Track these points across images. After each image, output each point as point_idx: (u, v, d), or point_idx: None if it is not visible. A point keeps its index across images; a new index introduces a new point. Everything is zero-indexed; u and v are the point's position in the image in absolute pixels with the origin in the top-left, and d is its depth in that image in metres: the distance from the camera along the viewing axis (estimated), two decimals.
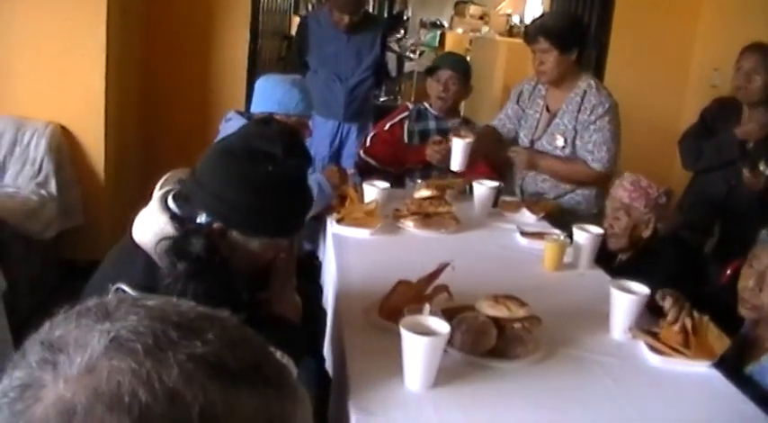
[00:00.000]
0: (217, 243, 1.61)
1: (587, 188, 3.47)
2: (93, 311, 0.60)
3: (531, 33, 3.42)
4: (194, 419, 0.53)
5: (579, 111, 3.37)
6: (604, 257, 2.83)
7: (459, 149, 3.37)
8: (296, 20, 7.13)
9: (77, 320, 0.59)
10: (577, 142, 3.38)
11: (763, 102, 3.31)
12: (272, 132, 1.74)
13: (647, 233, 2.82)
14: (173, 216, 1.64)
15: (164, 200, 1.70)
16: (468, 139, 3.37)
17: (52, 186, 4.10)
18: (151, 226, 1.66)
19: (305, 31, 4.84)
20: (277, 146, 1.65)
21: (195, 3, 5.04)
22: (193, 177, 1.68)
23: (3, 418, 0.54)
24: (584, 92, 3.38)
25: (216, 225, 1.63)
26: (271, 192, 1.65)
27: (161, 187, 1.79)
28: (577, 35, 3.43)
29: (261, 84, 3.14)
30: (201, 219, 1.62)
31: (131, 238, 1.69)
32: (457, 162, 3.39)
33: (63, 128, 4.25)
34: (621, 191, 2.81)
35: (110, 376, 0.54)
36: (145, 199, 1.77)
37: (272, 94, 3.03)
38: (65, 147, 4.24)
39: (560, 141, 3.41)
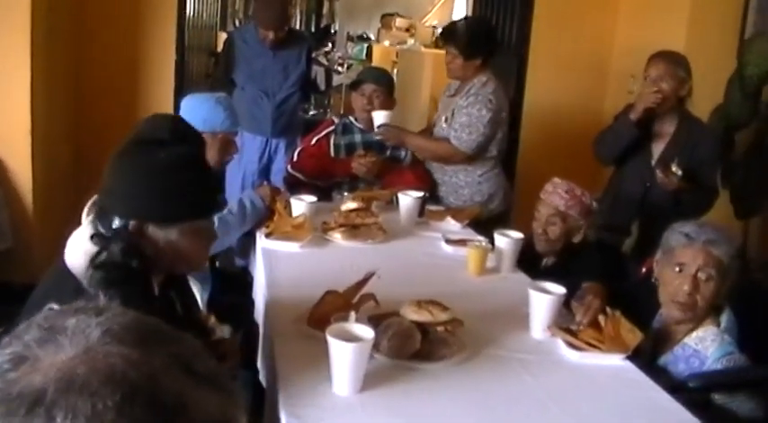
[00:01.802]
0: (136, 243, 1.64)
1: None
2: (88, 308, 0.69)
3: (442, 40, 3.92)
4: (169, 403, 0.61)
5: (461, 97, 3.73)
6: (531, 260, 2.94)
7: (378, 119, 3.72)
8: (222, 36, 7.13)
9: (75, 313, 0.67)
10: (452, 123, 3.72)
11: (672, 108, 3.46)
12: (158, 122, 1.79)
13: (578, 239, 2.95)
14: (92, 235, 1.67)
15: (93, 221, 1.74)
16: (387, 113, 3.72)
17: None
18: (81, 247, 1.68)
19: (231, 47, 4.87)
20: (164, 132, 1.70)
21: (121, 20, 5.02)
22: (100, 190, 1.72)
23: None
24: (474, 84, 3.72)
25: (131, 225, 1.65)
26: (169, 175, 1.68)
27: (90, 207, 1.82)
28: (483, 44, 3.76)
29: (186, 102, 3.17)
30: (116, 223, 1.65)
31: (62, 260, 1.72)
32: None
33: None
34: (558, 198, 2.92)
35: (105, 358, 0.62)
36: (75, 220, 1.80)
37: (198, 113, 3.06)
38: None
39: (443, 123, 3.83)
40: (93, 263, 1.60)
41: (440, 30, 9.77)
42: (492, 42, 3.91)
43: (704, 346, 2.22)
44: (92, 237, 1.66)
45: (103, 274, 1.58)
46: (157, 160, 1.68)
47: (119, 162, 1.72)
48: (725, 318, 2.29)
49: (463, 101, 3.73)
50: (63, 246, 1.74)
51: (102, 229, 1.67)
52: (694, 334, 2.26)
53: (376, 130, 3.75)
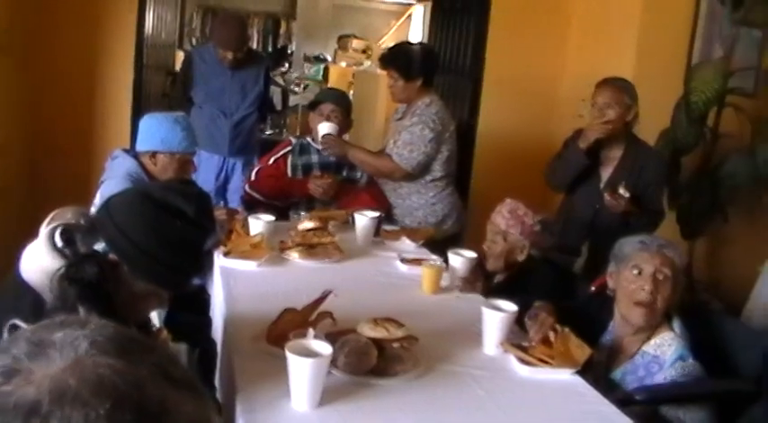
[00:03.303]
0: (107, 273, 1.67)
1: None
2: (72, 321, 0.73)
3: (381, 63, 4.01)
4: (154, 409, 0.66)
5: (407, 119, 3.85)
6: (483, 278, 3.01)
7: (318, 134, 3.81)
8: (180, 54, 7.14)
9: (61, 327, 0.71)
10: (396, 141, 3.84)
11: (619, 133, 3.57)
12: (190, 193, 1.83)
13: (521, 257, 3.03)
14: (59, 250, 1.68)
15: (51, 236, 1.74)
16: (331, 124, 3.80)
17: None
18: (38, 262, 1.69)
19: (189, 66, 4.90)
20: (191, 207, 1.75)
21: (80, 36, 5.03)
22: (105, 211, 1.76)
23: None
24: (418, 106, 3.83)
25: (111, 256, 1.70)
26: (172, 244, 1.75)
27: (48, 224, 1.84)
28: (421, 65, 3.88)
29: (144, 122, 3.19)
30: (99, 246, 1.69)
31: (17, 275, 1.73)
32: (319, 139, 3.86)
33: None
34: (500, 218, 3.02)
35: (94, 369, 0.66)
36: (30, 236, 1.82)
37: (156, 133, 3.09)
38: None
39: (390, 142, 3.94)
40: (66, 275, 1.62)
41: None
42: (431, 62, 4.05)
43: (662, 351, 2.35)
44: (58, 251, 1.68)
45: (79, 290, 1.61)
46: (170, 227, 1.74)
47: (139, 203, 1.76)
48: (677, 324, 2.41)
49: (408, 121, 3.85)
50: (14, 259, 1.75)
51: (80, 245, 1.70)
52: (652, 341, 2.38)
53: (319, 139, 3.82)
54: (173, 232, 1.74)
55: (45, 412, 0.62)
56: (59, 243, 1.71)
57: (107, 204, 1.79)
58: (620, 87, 3.54)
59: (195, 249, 1.82)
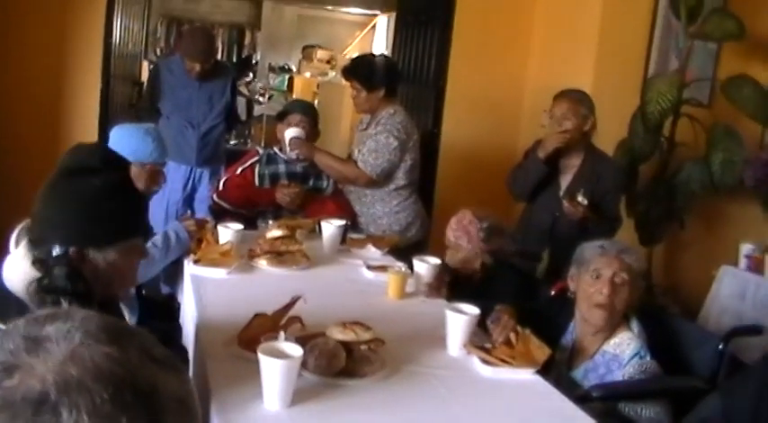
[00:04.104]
0: (78, 268, 1.73)
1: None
2: (58, 315, 0.79)
3: (344, 75, 4.11)
4: (147, 388, 0.73)
5: (372, 128, 3.96)
6: (447, 284, 3.10)
7: (286, 138, 3.92)
8: (145, 65, 7.16)
9: (50, 320, 0.77)
10: (362, 149, 3.95)
11: (577, 142, 3.69)
12: (85, 151, 1.88)
13: (477, 264, 3.13)
14: (34, 261, 1.73)
15: (16, 243, 1.80)
16: (299, 129, 3.91)
17: None
18: (18, 273, 1.75)
19: (157, 77, 4.94)
20: (95, 160, 1.80)
21: (47, 47, 5.06)
22: (35, 219, 1.79)
23: None
24: (382, 116, 3.94)
25: (71, 250, 1.73)
26: (106, 201, 1.79)
27: (17, 235, 1.89)
28: (382, 76, 3.98)
29: (115, 132, 3.23)
30: (56, 250, 1.73)
31: (2, 284, 1.77)
32: (287, 149, 3.96)
33: None
34: (449, 230, 3.16)
35: (91, 358, 0.73)
36: None
37: (127, 144, 3.12)
38: None
39: (355, 150, 4.07)
40: (40, 288, 1.68)
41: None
42: (392, 73, 4.16)
43: (621, 350, 2.47)
44: (33, 263, 1.74)
45: (54, 299, 1.66)
46: (93, 187, 1.78)
47: (52, 191, 1.80)
48: (634, 324, 2.52)
49: (372, 130, 3.97)
50: None
51: (40, 256, 1.74)
52: (612, 340, 2.50)
53: (287, 142, 3.90)
54: (98, 190, 1.78)
55: (53, 402, 0.68)
56: (18, 248, 1.77)
57: (33, 215, 1.81)
58: (576, 99, 3.66)
59: (127, 188, 1.88)
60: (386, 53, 7.72)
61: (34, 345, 0.74)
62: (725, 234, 4.96)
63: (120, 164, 1.92)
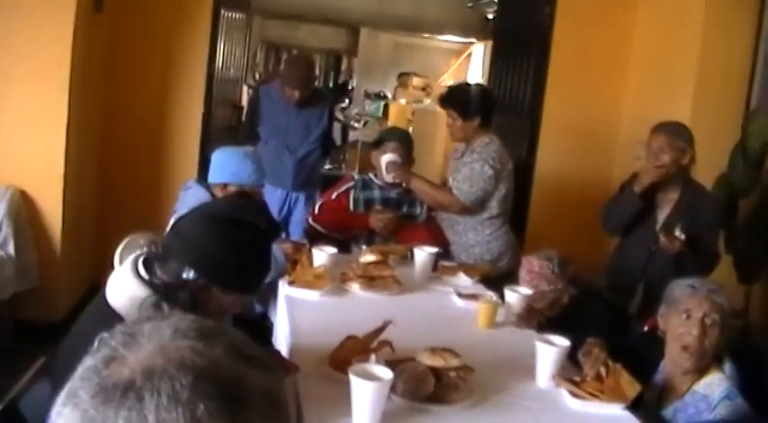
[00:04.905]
0: (198, 297, 1.81)
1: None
2: (157, 316, 0.88)
3: (440, 103, 4.18)
4: (230, 381, 0.78)
5: (466, 156, 4.00)
6: (538, 314, 3.09)
7: (383, 162, 3.98)
8: (245, 89, 7.37)
9: (148, 321, 0.85)
10: (456, 177, 3.99)
11: (675, 176, 3.62)
12: (256, 208, 2.00)
13: (565, 300, 3.11)
14: (146, 281, 1.82)
15: (134, 265, 1.87)
16: (396, 155, 3.97)
17: (10, 248, 4.22)
18: (125, 290, 1.82)
19: (257, 102, 5.10)
20: (261, 219, 1.91)
21: (152, 72, 5.27)
22: (180, 237, 1.88)
23: (91, 384, 0.77)
24: (478, 144, 3.98)
25: (202, 280, 1.82)
26: (252, 256, 1.91)
27: (122, 250, 1.98)
28: (478, 105, 4.03)
29: (217, 155, 3.36)
30: (188, 275, 1.81)
31: (105, 301, 1.85)
32: (383, 174, 4.01)
33: (23, 192, 4.39)
34: (524, 283, 3.13)
35: (177, 350, 0.79)
36: (100, 263, 1.95)
37: (228, 166, 3.25)
38: (23, 211, 4.38)
39: (450, 179, 4.11)
40: (158, 305, 1.76)
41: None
42: (488, 102, 4.18)
43: (711, 391, 2.40)
44: (145, 282, 1.81)
45: None
46: (250, 240, 1.90)
47: (214, 226, 1.89)
48: (727, 366, 2.46)
49: (467, 158, 3.99)
50: (87, 287, 1.88)
51: (161, 273, 1.83)
52: (702, 381, 2.43)
53: (384, 166, 3.97)
54: (251, 245, 1.90)
55: (138, 387, 0.75)
56: (142, 272, 1.84)
57: (178, 229, 1.91)
58: (674, 131, 3.59)
59: (269, 254, 2.01)
60: (481, 81, 7.77)
61: (131, 339, 0.82)
62: None
63: (276, 231, 2.03)
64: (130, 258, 1.91)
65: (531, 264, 3.12)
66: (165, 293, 1.79)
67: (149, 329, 0.83)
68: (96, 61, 4.85)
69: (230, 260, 1.86)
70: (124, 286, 1.84)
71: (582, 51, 5.62)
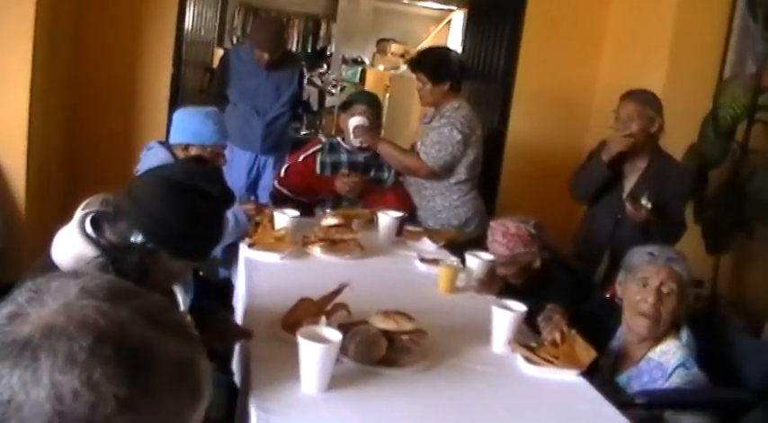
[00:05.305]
0: (147, 263, 1.77)
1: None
2: (68, 274, 0.85)
3: (410, 67, 4.14)
4: (134, 346, 0.76)
5: (435, 120, 3.96)
6: (499, 280, 3.07)
7: (350, 126, 3.96)
8: (219, 52, 7.27)
9: (58, 278, 0.83)
10: (424, 141, 3.94)
11: (643, 144, 3.60)
12: (212, 174, 1.94)
13: (537, 264, 3.08)
14: (93, 240, 1.76)
15: (81, 223, 1.81)
16: (364, 118, 3.94)
17: None
18: (70, 247, 1.77)
19: (226, 64, 5.01)
20: (215, 187, 1.87)
21: (120, 31, 5.15)
22: (132, 199, 1.82)
23: None
24: (447, 109, 3.93)
25: (150, 245, 1.77)
26: (203, 224, 1.86)
27: (82, 211, 1.92)
28: (448, 69, 3.98)
29: (177, 115, 3.30)
30: (137, 238, 1.76)
31: (50, 259, 1.80)
32: (350, 137, 4.00)
33: None
34: (498, 246, 3.07)
35: (80, 310, 0.77)
36: (65, 221, 1.90)
37: (188, 126, 3.19)
38: None
39: (419, 143, 4.05)
40: (103, 267, 1.70)
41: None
42: (458, 67, 4.12)
43: (666, 359, 2.39)
44: (91, 240, 1.76)
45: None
46: (200, 209, 1.84)
47: (167, 191, 1.83)
48: (684, 334, 2.45)
49: (436, 123, 3.95)
50: (50, 245, 1.84)
51: (109, 233, 1.77)
52: (657, 348, 2.42)
53: (351, 130, 3.94)
54: (203, 212, 1.85)
55: (35, 346, 0.73)
56: (89, 230, 1.78)
57: (131, 191, 1.85)
58: (643, 100, 3.57)
59: (221, 222, 1.96)
60: (458, 49, 7.71)
61: (37, 296, 0.79)
62: None
63: (229, 200, 1.97)
64: (78, 215, 1.86)
65: (507, 226, 3.07)
66: (112, 255, 1.74)
67: (56, 287, 0.80)
68: (63, 18, 4.75)
69: (181, 227, 1.80)
70: (70, 244, 1.78)
71: (556, 20, 5.57)
